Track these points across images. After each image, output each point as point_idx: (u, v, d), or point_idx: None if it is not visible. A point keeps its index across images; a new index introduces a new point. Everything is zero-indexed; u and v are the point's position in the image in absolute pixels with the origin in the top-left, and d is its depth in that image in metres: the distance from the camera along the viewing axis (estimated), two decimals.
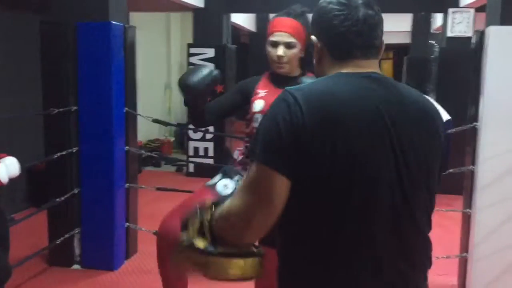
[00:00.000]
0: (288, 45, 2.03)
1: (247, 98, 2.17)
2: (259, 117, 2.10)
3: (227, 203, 1.15)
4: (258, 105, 2.12)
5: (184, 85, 2.07)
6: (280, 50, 2.03)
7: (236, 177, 2.08)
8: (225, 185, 2.05)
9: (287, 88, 1.13)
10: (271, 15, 9.89)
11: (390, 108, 1.11)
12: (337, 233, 1.09)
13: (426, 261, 1.19)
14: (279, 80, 2.09)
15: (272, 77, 2.17)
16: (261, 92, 2.12)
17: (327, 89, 1.12)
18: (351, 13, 1.15)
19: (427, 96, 1.27)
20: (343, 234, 1.09)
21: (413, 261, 1.15)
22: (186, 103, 2.14)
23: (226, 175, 2.10)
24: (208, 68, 2.14)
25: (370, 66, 1.17)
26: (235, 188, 1.98)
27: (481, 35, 3.19)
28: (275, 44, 2.04)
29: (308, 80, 1.95)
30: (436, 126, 1.19)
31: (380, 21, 1.19)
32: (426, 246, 1.19)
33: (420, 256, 1.17)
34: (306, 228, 1.11)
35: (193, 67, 2.18)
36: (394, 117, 1.11)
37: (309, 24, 2.05)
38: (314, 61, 1.23)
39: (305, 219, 1.10)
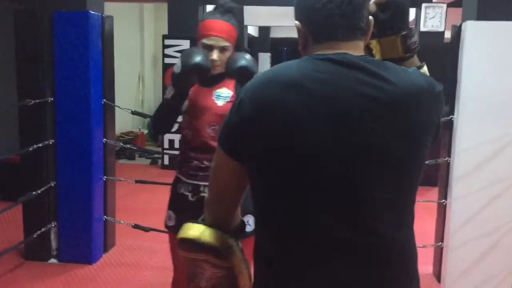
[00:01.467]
0: (223, 49, 2.04)
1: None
2: (185, 116, 2.13)
3: None
4: (184, 104, 2.11)
5: (194, 65, 1.95)
6: (215, 55, 2.03)
7: None
8: None
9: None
10: (246, 7, 9.88)
11: (337, 93, 1.03)
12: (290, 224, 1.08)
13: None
14: (205, 79, 2.09)
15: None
16: (190, 93, 2.11)
17: (270, 76, 1.10)
18: None
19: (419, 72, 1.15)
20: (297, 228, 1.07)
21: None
22: (180, 87, 2.03)
23: None
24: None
25: (348, 48, 1.10)
26: None
27: (457, 29, 3.26)
28: (209, 48, 2.03)
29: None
30: (419, 108, 1.07)
31: (366, 1, 1.13)
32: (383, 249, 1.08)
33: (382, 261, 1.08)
34: (265, 214, 1.13)
35: (189, 49, 2.09)
36: (342, 103, 1.03)
37: (238, 23, 2.09)
38: (300, 47, 1.18)
39: (263, 206, 1.13)
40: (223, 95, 2.11)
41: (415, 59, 1.29)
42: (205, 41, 2.03)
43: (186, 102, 2.11)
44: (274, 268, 1.11)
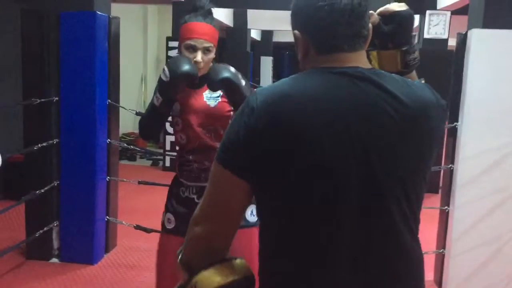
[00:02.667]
0: (206, 50, 2.05)
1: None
2: (178, 121, 2.12)
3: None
4: (175, 107, 2.11)
5: (183, 73, 1.95)
6: (199, 56, 2.03)
7: None
8: None
9: (256, 88, 1.10)
10: (249, 11, 9.89)
11: (357, 110, 1.02)
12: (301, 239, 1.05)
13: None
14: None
15: None
16: (180, 97, 2.10)
17: (287, 90, 1.05)
18: (336, 2, 1.06)
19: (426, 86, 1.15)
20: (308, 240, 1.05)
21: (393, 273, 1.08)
22: (168, 95, 2.01)
23: None
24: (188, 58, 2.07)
25: (357, 60, 1.08)
26: None
27: (463, 37, 3.28)
28: (194, 49, 2.04)
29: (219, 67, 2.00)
30: (429, 125, 1.08)
31: (367, 8, 1.10)
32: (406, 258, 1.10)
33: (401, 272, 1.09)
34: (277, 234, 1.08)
35: (176, 57, 2.08)
36: (363, 120, 1.02)
37: (216, 23, 2.11)
38: (299, 56, 1.14)
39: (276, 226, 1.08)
40: (213, 96, 2.12)
41: (413, 75, 1.30)
42: (188, 42, 2.03)
43: (177, 106, 2.11)
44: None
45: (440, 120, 1.12)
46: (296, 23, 1.12)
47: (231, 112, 2.12)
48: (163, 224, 2.23)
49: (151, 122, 2.12)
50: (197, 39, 2.03)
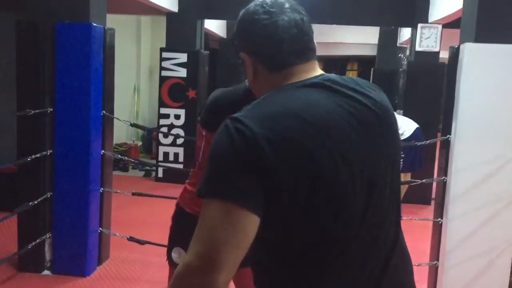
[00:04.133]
0: None
1: None
2: None
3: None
4: None
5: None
6: None
7: None
8: None
9: (232, 116, 1.00)
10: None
11: (351, 117, 1.04)
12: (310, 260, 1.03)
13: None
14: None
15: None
16: None
17: (286, 108, 1.00)
18: (279, 19, 1.06)
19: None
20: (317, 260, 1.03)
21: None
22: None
23: None
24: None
25: (311, 69, 1.10)
26: None
27: (455, 51, 3.32)
28: None
29: None
30: (394, 120, 1.15)
31: (309, 22, 1.12)
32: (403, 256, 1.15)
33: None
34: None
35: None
36: (357, 126, 1.04)
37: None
38: (249, 78, 1.13)
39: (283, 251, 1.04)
40: None
41: None
42: None
43: None
44: None
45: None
46: (241, 45, 1.12)
47: None
48: (175, 260, 2.05)
49: None
50: None
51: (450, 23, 5.75)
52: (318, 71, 1.12)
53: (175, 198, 2.17)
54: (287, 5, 1.10)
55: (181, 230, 2.02)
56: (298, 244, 1.01)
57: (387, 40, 9.47)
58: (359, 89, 1.08)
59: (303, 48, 1.10)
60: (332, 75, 1.11)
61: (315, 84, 1.06)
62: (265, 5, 1.09)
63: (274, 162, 0.94)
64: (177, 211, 2.09)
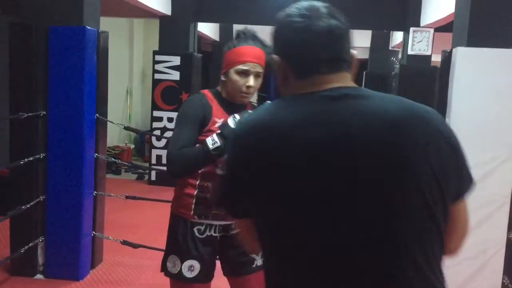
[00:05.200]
0: (258, 75, 1.98)
1: (203, 128, 1.96)
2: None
3: None
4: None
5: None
6: (251, 81, 1.95)
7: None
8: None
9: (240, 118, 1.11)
10: (236, 26, 9.96)
11: (344, 133, 0.98)
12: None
13: None
14: (230, 107, 1.99)
15: (223, 104, 2.01)
16: (220, 122, 1.95)
17: (267, 119, 1.04)
18: (313, 24, 1.03)
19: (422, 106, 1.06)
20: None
21: None
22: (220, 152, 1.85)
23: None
24: None
25: (338, 80, 1.04)
26: None
27: (448, 55, 3.35)
28: (246, 73, 1.95)
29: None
30: (419, 144, 0.99)
31: (347, 33, 1.07)
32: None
33: None
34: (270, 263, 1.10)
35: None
36: (350, 144, 0.97)
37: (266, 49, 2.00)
38: (278, 83, 1.11)
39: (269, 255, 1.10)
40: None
41: None
42: (241, 66, 1.94)
43: None
44: None
45: (433, 138, 1.01)
46: (275, 47, 1.11)
47: None
48: (179, 273, 2.00)
49: (195, 164, 1.90)
50: (249, 63, 1.94)
51: (442, 27, 5.80)
52: (345, 83, 1.05)
53: (168, 202, 2.18)
54: (324, 10, 1.05)
55: (174, 236, 2.03)
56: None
57: (379, 44, 9.54)
58: (374, 109, 1.00)
59: (334, 57, 1.04)
60: (361, 89, 1.05)
61: (325, 96, 1.02)
62: (300, 8, 1.06)
63: (247, 173, 1.03)
64: (170, 217, 2.09)
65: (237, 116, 1.87)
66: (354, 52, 1.09)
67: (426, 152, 0.99)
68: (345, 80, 1.05)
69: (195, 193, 1.98)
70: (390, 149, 0.98)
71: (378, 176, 0.97)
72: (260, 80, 2.00)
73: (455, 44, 3.34)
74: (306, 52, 1.04)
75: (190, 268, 1.98)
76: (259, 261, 2.07)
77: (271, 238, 1.05)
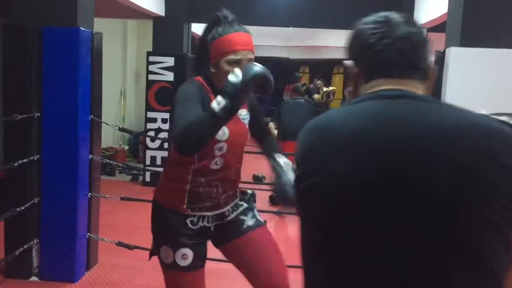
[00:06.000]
0: (250, 62, 1.88)
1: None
2: (223, 146, 1.90)
3: None
4: (223, 132, 1.86)
5: (258, 73, 1.70)
6: None
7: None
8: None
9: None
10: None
11: (405, 142, 0.93)
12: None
13: None
14: None
15: (216, 93, 1.85)
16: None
17: (320, 121, 1.05)
18: (390, 30, 1.02)
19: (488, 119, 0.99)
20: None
21: None
22: (239, 99, 1.69)
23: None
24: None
25: (404, 84, 1.01)
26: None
27: (441, 54, 3.37)
28: (238, 63, 1.85)
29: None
30: (498, 161, 0.90)
31: (425, 42, 1.04)
32: None
33: None
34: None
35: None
36: (410, 151, 0.92)
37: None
38: (350, 89, 1.10)
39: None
40: (245, 116, 2.03)
41: None
42: (233, 56, 1.85)
43: (226, 130, 1.89)
44: None
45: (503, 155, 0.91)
46: (349, 53, 1.10)
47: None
48: (173, 263, 1.96)
49: (207, 132, 1.71)
50: (241, 52, 1.85)
51: (435, 27, 5.83)
52: (410, 88, 1.01)
53: None
54: (402, 19, 1.04)
55: (165, 227, 1.99)
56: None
57: None
58: (444, 114, 0.96)
59: (408, 64, 1.02)
60: (425, 96, 1.02)
61: (391, 96, 1.00)
62: (379, 16, 1.07)
63: (299, 167, 1.05)
64: (157, 207, 2.03)
65: (237, 71, 1.70)
66: (433, 64, 1.07)
67: (506, 171, 0.90)
68: (411, 87, 1.02)
69: (187, 187, 1.94)
70: (463, 160, 0.90)
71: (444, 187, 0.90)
72: None
73: (448, 44, 3.37)
74: (380, 55, 1.03)
75: (183, 256, 1.94)
76: (249, 221, 2.08)
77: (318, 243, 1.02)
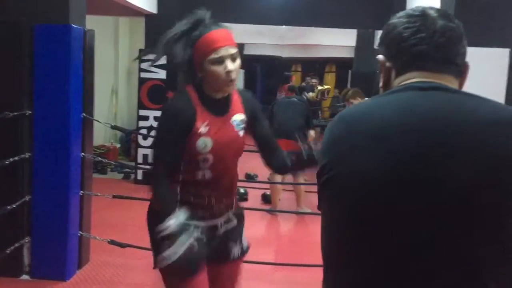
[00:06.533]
0: (233, 58, 1.83)
1: (187, 132, 1.84)
2: (208, 157, 1.86)
3: None
4: (204, 144, 1.83)
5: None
6: (229, 65, 1.80)
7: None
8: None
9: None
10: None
11: (440, 135, 0.91)
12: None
13: None
14: (216, 105, 1.88)
15: (205, 103, 1.88)
16: (202, 127, 1.83)
17: (354, 110, 1.05)
18: (426, 24, 1.00)
19: None
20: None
21: None
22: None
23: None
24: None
25: (438, 78, 1.00)
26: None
27: None
28: (221, 61, 1.80)
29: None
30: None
31: (461, 37, 1.02)
32: None
33: None
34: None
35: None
36: (445, 144, 0.90)
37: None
38: (381, 84, 1.09)
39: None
40: (240, 122, 1.93)
41: None
42: (213, 56, 1.80)
43: (209, 141, 1.84)
44: None
45: None
46: (381, 47, 1.09)
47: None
48: (160, 265, 1.93)
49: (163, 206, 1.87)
50: (221, 48, 1.80)
51: None
52: (444, 82, 1.00)
53: None
54: (437, 13, 1.02)
55: (159, 236, 1.91)
56: None
57: (364, 43, 9.60)
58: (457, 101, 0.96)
59: (444, 58, 1.01)
60: (455, 89, 1.01)
61: (422, 87, 0.98)
62: (415, 10, 1.04)
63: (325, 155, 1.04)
64: (152, 215, 1.98)
65: (181, 216, 1.79)
66: (467, 61, 1.05)
67: None
68: (446, 82, 1.00)
69: (178, 197, 1.91)
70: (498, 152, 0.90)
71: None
72: (238, 61, 1.86)
73: None
74: (414, 49, 1.01)
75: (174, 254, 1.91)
76: (236, 253, 2.05)
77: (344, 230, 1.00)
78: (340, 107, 12.54)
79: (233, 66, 1.82)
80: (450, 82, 1.01)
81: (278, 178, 5.33)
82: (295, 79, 15.92)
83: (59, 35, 3.37)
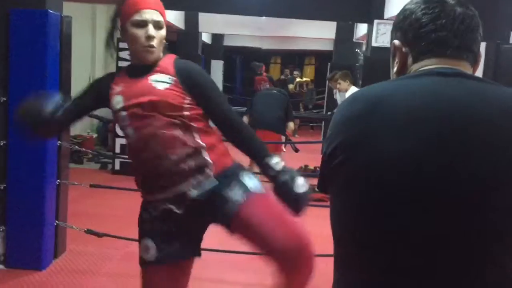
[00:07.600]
0: (158, 25, 1.76)
1: (102, 97, 1.87)
2: (124, 114, 1.81)
3: None
4: (116, 101, 1.82)
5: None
6: (151, 29, 1.73)
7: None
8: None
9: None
10: (201, 14, 9.85)
11: (467, 121, 0.91)
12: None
13: None
14: (136, 70, 1.82)
15: (128, 69, 1.88)
16: (117, 88, 1.83)
17: (366, 91, 1.03)
18: (445, 11, 1.00)
19: None
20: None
21: None
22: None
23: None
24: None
25: (457, 65, 1.00)
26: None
27: None
28: (143, 24, 1.74)
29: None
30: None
31: (479, 24, 1.03)
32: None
33: None
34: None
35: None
36: (472, 131, 0.91)
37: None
38: (395, 70, 1.08)
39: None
40: (162, 80, 1.78)
41: None
42: (136, 17, 1.74)
43: (120, 97, 1.81)
44: None
45: None
46: (396, 32, 1.07)
47: (183, 104, 1.78)
48: (140, 258, 1.89)
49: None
50: (145, 11, 1.74)
51: None
52: (464, 69, 1.01)
53: (134, 190, 2.13)
54: (454, 1, 1.02)
55: (144, 221, 1.91)
56: None
57: (344, 35, 9.66)
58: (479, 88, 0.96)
59: (462, 45, 1.01)
60: (474, 76, 1.01)
61: (440, 73, 0.98)
62: None
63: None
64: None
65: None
66: (480, 51, 1.06)
67: None
68: (463, 68, 1.01)
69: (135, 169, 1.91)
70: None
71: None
72: (163, 32, 1.79)
73: None
74: (433, 35, 1.00)
75: (145, 248, 1.85)
76: (235, 195, 1.83)
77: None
78: (311, 99, 12.64)
79: (153, 32, 1.75)
80: (467, 69, 1.02)
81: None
82: (274, 71, 15.93)
83: (35, 20, 3.30)
